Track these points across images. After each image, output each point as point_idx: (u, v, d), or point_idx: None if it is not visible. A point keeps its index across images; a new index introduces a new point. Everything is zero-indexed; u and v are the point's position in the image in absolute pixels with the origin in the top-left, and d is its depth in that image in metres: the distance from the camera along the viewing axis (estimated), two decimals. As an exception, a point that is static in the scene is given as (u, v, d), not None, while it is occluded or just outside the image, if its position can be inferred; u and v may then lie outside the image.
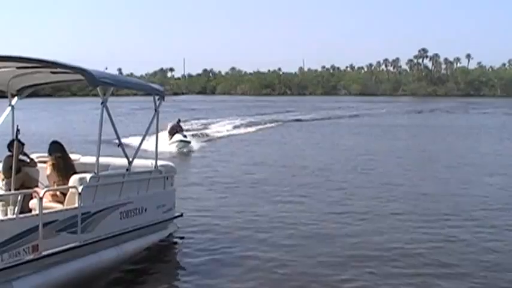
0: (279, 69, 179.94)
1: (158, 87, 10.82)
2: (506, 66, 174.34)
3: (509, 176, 19.32)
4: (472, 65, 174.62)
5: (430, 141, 33.43)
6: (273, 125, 45.86)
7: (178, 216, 10.96)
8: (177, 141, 27.44)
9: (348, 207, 13.83)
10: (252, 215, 12.83)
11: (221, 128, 41.39)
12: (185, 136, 28.47)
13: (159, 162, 10.43)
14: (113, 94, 9.48)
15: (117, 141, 9.23)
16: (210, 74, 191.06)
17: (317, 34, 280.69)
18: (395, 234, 11.20)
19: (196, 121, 45.86)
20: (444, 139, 34.70)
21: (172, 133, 28.32)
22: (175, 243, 10.57)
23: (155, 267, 9.26)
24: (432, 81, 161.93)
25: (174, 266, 9.59)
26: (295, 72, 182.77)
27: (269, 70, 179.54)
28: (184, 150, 27.16)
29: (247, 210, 13.31)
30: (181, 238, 10.79)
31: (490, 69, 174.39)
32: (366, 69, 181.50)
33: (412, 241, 10.62)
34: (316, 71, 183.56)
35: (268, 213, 13.06)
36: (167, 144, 26.49)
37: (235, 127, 42.30)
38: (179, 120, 30.02)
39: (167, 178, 10.47)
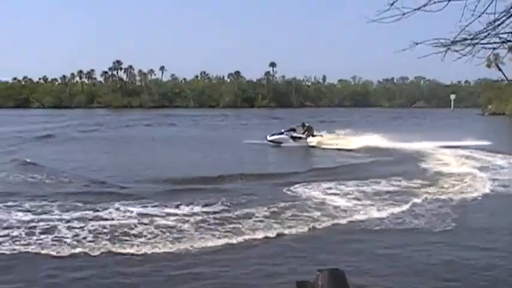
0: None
1: None
2: (198, 78, 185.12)
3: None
4: (166, 77, 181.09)
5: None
6: None
7: None
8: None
9: None
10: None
11: None
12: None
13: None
14: None
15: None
16: None
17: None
18: None
19: None
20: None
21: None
22: None
23: None
24: (127, 92, 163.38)
25: None
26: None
27: None
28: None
29: None
30: None
31: (183, 81, 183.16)
32: (59, 81, 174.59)
33: None
34: (7, 83, 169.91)
35: None
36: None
37: None
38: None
39: None
